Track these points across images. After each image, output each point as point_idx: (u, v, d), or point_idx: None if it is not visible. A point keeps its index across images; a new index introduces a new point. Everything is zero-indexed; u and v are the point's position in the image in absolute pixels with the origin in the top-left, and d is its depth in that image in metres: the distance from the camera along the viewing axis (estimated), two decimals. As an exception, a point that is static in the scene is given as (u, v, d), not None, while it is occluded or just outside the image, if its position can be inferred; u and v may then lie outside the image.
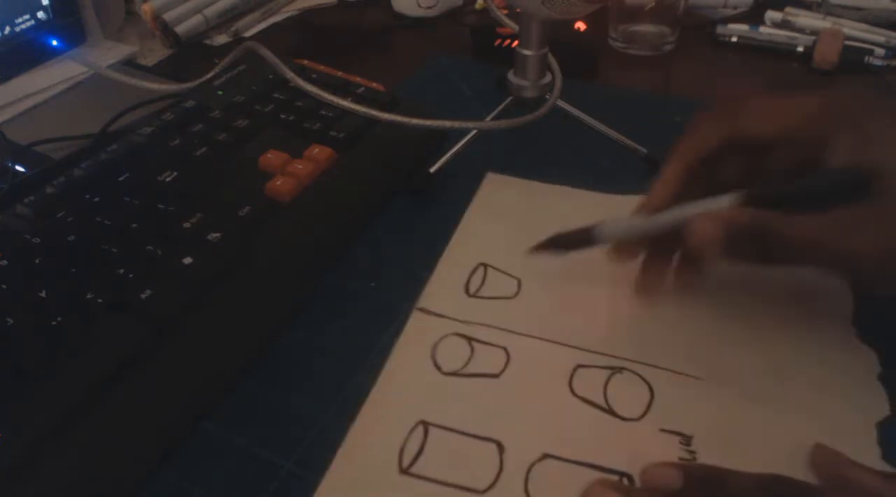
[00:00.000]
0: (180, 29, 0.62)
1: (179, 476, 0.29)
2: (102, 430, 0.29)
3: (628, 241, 0.34)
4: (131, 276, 0.34)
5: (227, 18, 0.66)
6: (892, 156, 0.28)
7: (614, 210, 0.35)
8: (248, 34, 0.66)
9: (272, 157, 0.42)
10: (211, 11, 0.64)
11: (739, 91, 0.33)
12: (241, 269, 0.36)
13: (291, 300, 0.37)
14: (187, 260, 0.35)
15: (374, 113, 0.41)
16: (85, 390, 0.29)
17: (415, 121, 0.41)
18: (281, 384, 0.33)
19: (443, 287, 0.37)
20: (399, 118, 0.41)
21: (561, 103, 0.47)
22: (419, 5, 0.68)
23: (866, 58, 0.57)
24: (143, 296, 0.32)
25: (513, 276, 0.38)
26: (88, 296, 0.32)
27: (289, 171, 0.41)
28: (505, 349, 0.34)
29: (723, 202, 0.30)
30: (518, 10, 0.42)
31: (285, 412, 0.31)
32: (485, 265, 0.38)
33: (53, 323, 0.31)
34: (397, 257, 0.39)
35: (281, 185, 0.40)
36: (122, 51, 0.60)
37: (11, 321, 0.31)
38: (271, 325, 0.35)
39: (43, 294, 0.32)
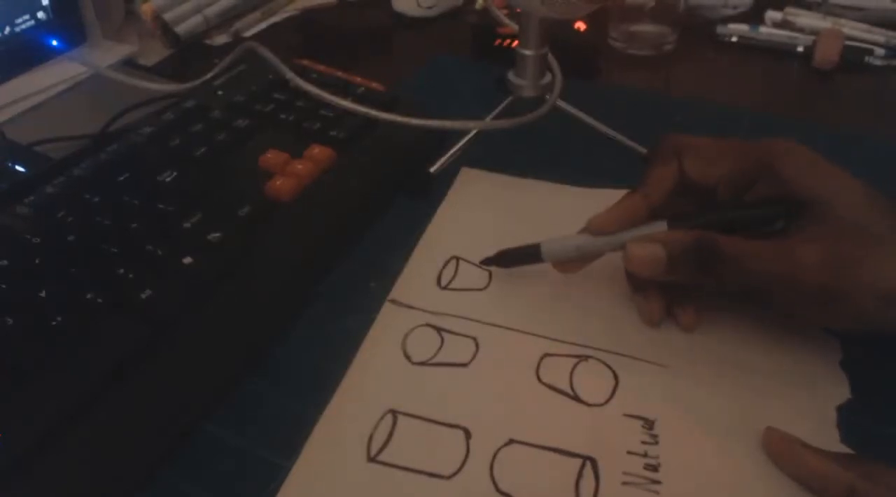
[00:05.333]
0: (180, 29, 0.62)
1: (179, 476, 0.29)
2: (102, 430, 0.29)
3: (569, 259, 0.35)
4: (131, 276, 0.34)
5: (228, 18, 0.66)
6: (820, 189, 0.30)
7: (583, 202, 0.36)
8: (248, 34, 0.66)
9: (272, 157, 0.42)
10: (211, 11, 0.64)
11: (681, 136, 0.35)
12: (241, 268, 0.36)
13: (291, 300, 0.37)
14: (187, 260, 0.35)
15: (374, 113, 0.41)
16: (85, 390, 0.29)
17: (414, 121, 0.41)
18: (281, 384, 0.33)
19: (415, 279, 0.38)
20: (399, 118, 0.41)
21: (561, 103, 0.47)
22: (419, 5, 0.68)
23: (866, 57, 0.57)
24: (142, 296, 0.32)
25: (484, 269, 0.38)
26: (88, 296, 0.32)
27: (289, 171, 0.41)
28: (474, 339, 0.34)
29: (657, 228, 0.32)
30: (518, 10, 0.42)
31: (285, 412, 0.31)
32: (457, 258, 0.39)
33: (53, 323, 0.31)
34: (397, 257, 0.39)
35: (281, 185, 0.40)
36: (122, 51, 0.60)
37: (11, 321, 0.31)
38: (271, 325, 0.35)
39: (43, 294, 0.32)
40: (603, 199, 0.35)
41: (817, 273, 0.29)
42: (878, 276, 0.28)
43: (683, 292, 0.35)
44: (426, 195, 0.44)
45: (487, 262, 0.37)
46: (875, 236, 0.29)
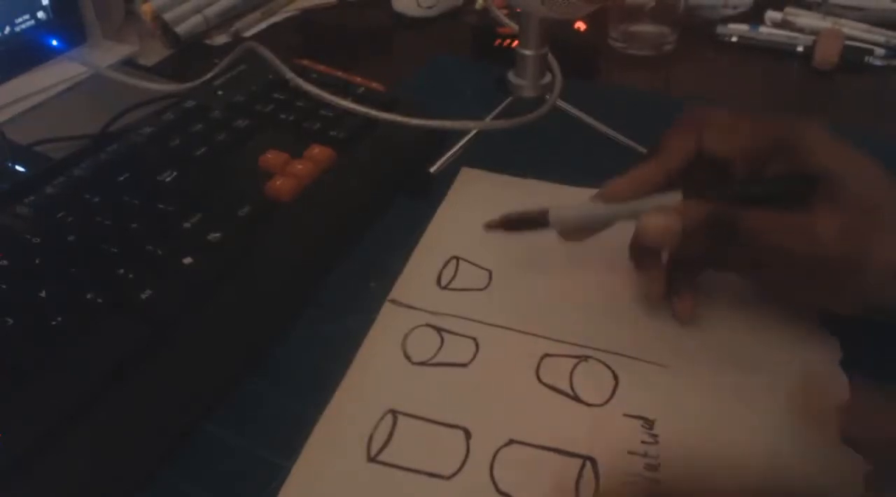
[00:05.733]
0: (180, 29, 0.62)
1: (179, 476, 0.29)
2: (102, 430, 0.29)
3: (578, 227, 0.34)
4: (131, 276, 0.34)
5: (227, 18, 0.66)
6: (838, 166, 0.30)
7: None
8: (248, 34, 0.66)
9: (272, 157, 0.42)
10: (211, 11, 0.64)
11: (705, 108, 0.35)
12: (241, 268, 0.36)
13: (291, 300, 0.37)
14: (187, 260, 0.35)
15: (374, 113, 0.42)
16: (85, 390, 0.29)
17: (414, 121, 0.41)
18: (281, 384, 0.33)
19: (415, 279, 0.38)
20: (399, 118, 0.41)
21: (561, 103, 0.47)
22: (419, 5, 0.68)
23: (866, 58, 0.57)
24: (143, 296, 0.32)
25: (484, 269, 0.38)
26: (88, 296, 0.32)
27: (289, 171, 0.41)
28: (474, 339, 0.34)
29: (671, 198, 0.32)
30: (518, 10, 0.42)
31: (286, 412, 0.31)
32: (457, 258, 0.39)
33: (53, 323, 0.31)
34: (397, 257, 0.39)
35: (281, 185, 0.40)
36: (122, 51, 0.61)
37: (11, 321, 0.31)
38: (271, 325, 0.35)
39: (43, 294, 0.32)
40: None
41: (837, 245, 0.29)
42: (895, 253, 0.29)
43: (685, 276, 0.34)
44: (426, 195, 0.44)
45: (491, 224, 0.36)
46: (890, 219, 0.29)
